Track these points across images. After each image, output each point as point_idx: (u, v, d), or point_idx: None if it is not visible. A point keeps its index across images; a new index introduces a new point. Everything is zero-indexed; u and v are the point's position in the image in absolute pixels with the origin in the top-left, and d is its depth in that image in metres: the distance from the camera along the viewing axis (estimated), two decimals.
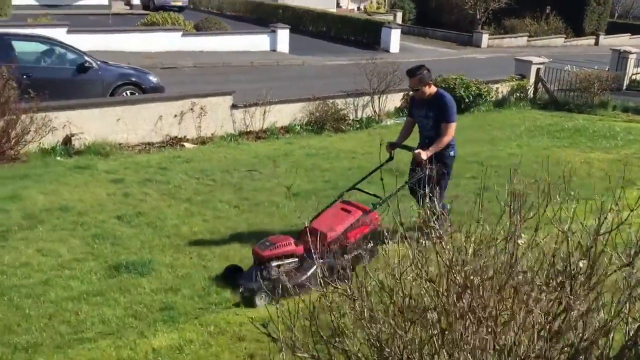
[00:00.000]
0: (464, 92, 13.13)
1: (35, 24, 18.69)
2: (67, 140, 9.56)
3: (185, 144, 10.56)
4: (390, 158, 5.99)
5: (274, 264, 4.83)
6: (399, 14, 36.40)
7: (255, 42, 22.30)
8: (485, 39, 29.70)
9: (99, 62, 11.32)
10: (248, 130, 11.34)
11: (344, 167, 8.86)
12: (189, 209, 7.00)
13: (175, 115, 10.65)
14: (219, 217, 6.75)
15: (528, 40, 31.47)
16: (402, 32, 27.33)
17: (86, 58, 11.13)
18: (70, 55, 11.21)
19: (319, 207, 5.57)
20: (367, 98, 12.75)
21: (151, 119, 10.42)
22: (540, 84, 14.47)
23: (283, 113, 11.80)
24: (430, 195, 5.40)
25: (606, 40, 33.12)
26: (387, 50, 24.94)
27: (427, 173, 5.34)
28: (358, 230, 5.14)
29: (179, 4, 32.80)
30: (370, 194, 5.55)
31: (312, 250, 4.74)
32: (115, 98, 10.77)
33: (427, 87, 5.82)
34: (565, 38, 33.32)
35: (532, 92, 14.70)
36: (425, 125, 5.97)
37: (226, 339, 4.25)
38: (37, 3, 29.17)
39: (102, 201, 7.20)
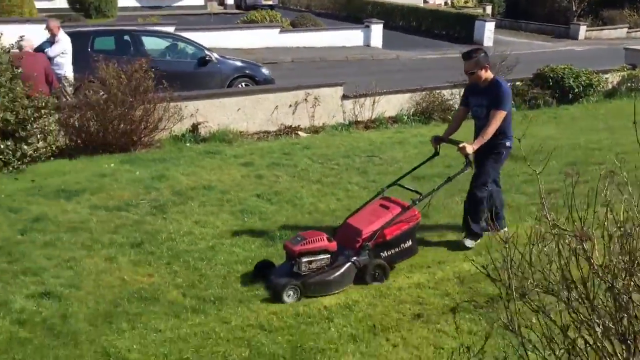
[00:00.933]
0: (573, 81, 12.89)
1: (146, 23, 19.84)
2: (194, 128, 10.20)
3: (299, 132, 11.00)
4: (436, 153, 5.74)
5: (305, 259, 4.67)
6: (489, 8, 35.79)
7: (349, 37, 22.67)
8: (582, 30, 28.73)
9: (217, 56, 11.97)
10: (357, 119, 11.65)
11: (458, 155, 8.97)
12: (321, 189, 7.37)
13: (290, 105, 11.11)
14: (352, 197, 7.08)
15: (628, 32, 30.18)
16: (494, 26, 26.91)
17: (206, 52, 11.82)
18: (192, 50, 11.94)
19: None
20: None
21: (268, 109, 10.92)
22: None
23: (391, 104, 12.03)
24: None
25: None
26: (481, 44, 24.65)
27: (469, 169, 5.34)
28: (396, 227, 4.97)
29: (270, 2, 33.70)
30: (411, 190, 5.40)
31: (345, 247, 4.78)
32: (236, 89, 11.37)
33: (483, 71, 5.42)
34: None
35: None
36: (479, 115, 5.59)
37: (389, 301, 4.54)
38: (139, 5, 30.86)
39: (238, 181, 7.71)
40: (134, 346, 3.92)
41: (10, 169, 7.70)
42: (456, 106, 12.51)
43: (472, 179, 5.62)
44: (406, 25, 28.60)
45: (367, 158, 8.82)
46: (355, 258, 4.77)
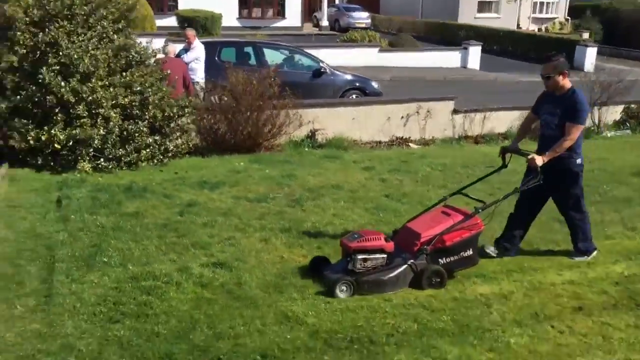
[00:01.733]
0: None
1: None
2: (312, 135, 10.64)
3: (410, 144, 11.24)
4: (504, 165, 5.57)
5: (360, 256, 4.63)
6: (585, 35, 34.89)
7: (446, 58, 22.81)
8: None
9: (331, 69, 12.44)
10: (467, 134, 11.76)
11: (585, 169, 8.88)
12: (447, 193, 7.53)
13: (402, 117, 11.38)
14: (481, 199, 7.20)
15: None
16: None
17: (321, 65, 12.31)
18: (308, 62, 12.48)
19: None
20: None
21: (380, 120, 11.23)
22: None
23: (501, 120, 12.07)
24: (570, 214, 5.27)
25: None
26: (581, 69, 24.08)
27: (539, 181, 5.08)
28: (456, 233, 4.87)
29: (363, 25, 34.33)
30: (474, 199, 5.33)
31: (403, 250, 4.68)
32: (351, 100, 11.78)
33: (561, 78, 5.18)
34: None
35: None
36: (549, 123, 5.33)
37: (545, 294, 4.66)
38: (240, 25, 32.28)
39: (364, 183, 8.00)
40: (310, 312, 4.23)
41: (155, 161, 8.34)
42: None
43: (561, 208, 5.52)
44: (500, 49, 28.39)
45: (486, 168, 8.90)
46: (412, 261, 4.71)
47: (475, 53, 22.97)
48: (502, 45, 28.45)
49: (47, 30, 7.62)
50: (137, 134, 8.06)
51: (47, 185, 7.19)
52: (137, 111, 8.15)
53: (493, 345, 3.89)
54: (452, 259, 4.86)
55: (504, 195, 5.29)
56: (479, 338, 3.98)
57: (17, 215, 5.99)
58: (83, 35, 7.80)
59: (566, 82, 5.23)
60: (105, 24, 8.19)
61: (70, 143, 7.67)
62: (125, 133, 7.98)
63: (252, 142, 9.71)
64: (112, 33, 8.24)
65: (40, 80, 7.59)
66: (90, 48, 7.73)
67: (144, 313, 4.13)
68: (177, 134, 8.81)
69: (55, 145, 7.64)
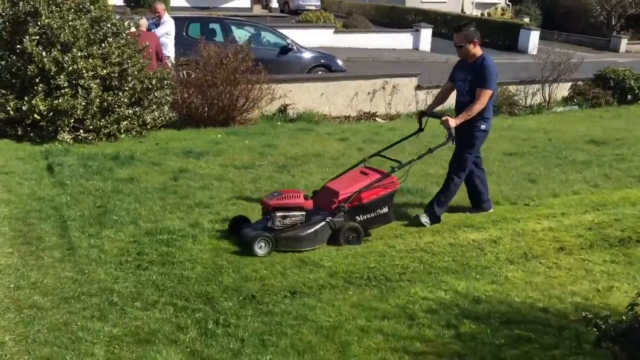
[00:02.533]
0: (634, 82, 13.41)
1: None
2: (282, 109, 10.89)
3: (377, 118, 11.66)
4: (420, 129, 5.76)
5: (279, 214, 4.71)
6: (526, 19, 36.26)
7: (399, 40, 23.38)
8: (624, 43, 29.16)
9: (298, 46, 12.68)
10: None
11: (541, 139, 9.54)
12: (426, 160, 7.95)
13: (368, 93, 11.78)
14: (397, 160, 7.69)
15: None
16: None
17: (288, 42, 12.52)
18: (275, 39, 12.67)
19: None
20: (537, 86, 13.33)
21: (348, 95, 11.60)
22: None
23: None
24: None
25: None
26: (526, 52, 25.18)
27: (450, 142, 5.27)
28: (373, 191, 4.99)
29: (313, 7, 34.49)
30: (391, 159, 5.47)
31: (322, 209, 4.84)
32: (321, 75, 12.08)
33: (471, 46, 5.36)
34: None
35: None
36: (462, 90, 5.54)
37: (529, 238, 5.16)
38: (188, 5, 31.84)
39: (343, 152, 8.35)
40: (324, 257, 4.57)
41: (134, 133, 8.41)
42: (521, 101, 13.13)
43: (450, 163, 5.72)
44: (449, 32, 29.16)
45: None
46: (330, 218, 4.80)
47: (426, 35, 23.63)
48: (450, 29, 29.26)
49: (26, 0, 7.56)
50: (117, 106, 8.11)
51: (32, 154, 7.20)
52: (116, 82, 8.20)
53: (493, 279, 4.35)
54: (368, 216, 5.01)
55: (418, 156, 5.47)
56: (480, 273, 4.43)
57: (13, 181, 6.03)
58: (62, 5, 7.77)
59: (477, 50, 5.42)
60: None
61: (51, 114, 7.67)
62: (105, 104, 8.02)
63: (226, 116, 9.87)
64: (88, 4, 8.23)
65: (19, 50, 7.54)
66: (70, 18, 7.72)
67: (169, 261, 4.37)
68: (154, 107, 8.89)
69: (35, 115, 7.62)
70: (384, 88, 11.83)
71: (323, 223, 4.79)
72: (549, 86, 13.28)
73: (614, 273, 4.50)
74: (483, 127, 5.48)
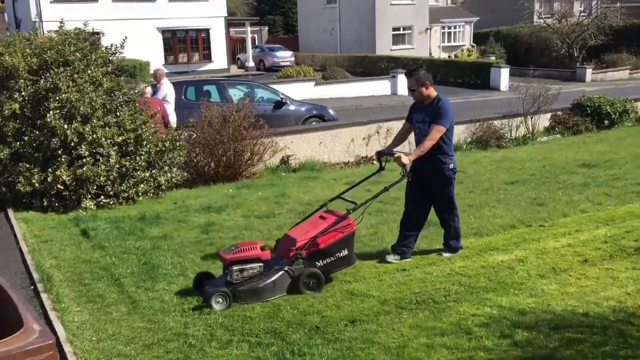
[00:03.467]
0: (609, 108, 14.19)
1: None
2: (285, 161, 11.33)
3: (374, 162, 12.14)
4: (381, 168, 5.81)
5: (236, 267, 4.78)
6: (492, 58, 37.76)
7: (377, 87, 24.25)
8: (589, 73, 30.52)
9: (291, 100, 13.24)
10: None
11: (535, 167, 10.08)
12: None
13: (364, 138, 12.31)
14: (463, 197, 8.13)
15: (630, 73, 32.00)
16: None
17: (282, 96, 13.08)
18: (268, 94, 13.23)
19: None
20: (520, 119, 14.01)
21: (345, 142, 12.11)
22: None
23: None
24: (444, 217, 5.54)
25: None
26: (497, 89, 26.26)
27: (406, 178, 5.36)
28: (330, 235, 5.02)
29: (287, 63, 35.59)
30: (349, 201, 5.51)
31: (282, 257, 4.93)
32: (318, 125, 12.59)
33: (424, 88, 5.48)
34: None
35: None
36: (421, 131, 5.61)
37: (552, 255, 5.57)
38: (167, 70, 32.60)
39: (353, 194, 8.70)
40: (370, 288, 4.91)
41: (151, 195, 8.73)
42: (507, 135, 13.76)
43: (436, 209, 5.77)
44: None
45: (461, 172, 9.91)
46: (288, 267, 4.85)
47: (403, 80, 24.47)
48: None
49: (45, 76, 7.97)
50: (134, 170, 8.45)
51: (61, 222, 7.45)
52: (132, 148, 8.56)
53: (531, 293, 4.71)
54: (328, 260, 5.01)
55: (374, 195, 5.56)
56: (517, 289, 4.79)
57: (55, 248, 6.28)
58: (79, 79, 8.19)
59: (431, 92, 5.53)
60: (94, 68, 8.60)
61: (74, 183, 7.97)
62: (123, 169, 8.35)
63: (233, 172, 10.26)
64: (101, 77, 8.66)
65: (40, 125, 7.90)
66: (87, 91, 8.13)
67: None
68: (167, 168, 9.24)
69: (59, 186, 7.92)
70: (378, 132, 12.37)
71: (281, 272, 4.84)
72: (531, 118, 13.97)
73: (639, 278, 4.90)
74: (452, 166, 5.57)
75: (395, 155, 5.34)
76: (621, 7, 36.69)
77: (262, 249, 4.95)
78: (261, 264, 4.87)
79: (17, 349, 2.25)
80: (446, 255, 5.72)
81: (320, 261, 4.98)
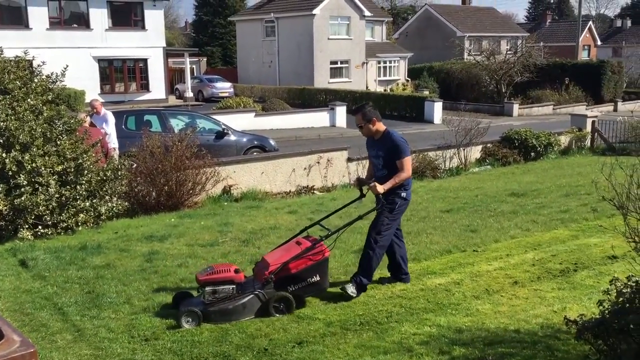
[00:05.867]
0: (535, 141, 15.07)
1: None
2: (227, 190, 11.42)
3: (315, 191, 12.40)
4: (362, 195, 5.86)
5: (209, 289, 4.96)
6: (426, 92, 39.21)
7: (316, 118, 24.73)
8: (516, 108, 32.19)
9: (232, 130, 13.39)
10: None
11: (469, 196, 10.59)
12: None
13: (305, 168, 12.58)
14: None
15: (554, 108, 33.93)
16: None
17: (223, 126, 13.21)
18: (210, 125, 13.33)
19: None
20: (453, 150, 14.67)
21: (286, 172, 12.34)
22: (596, 133, 16.42)
23: None
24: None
25: (624, 106, 35.62)
26: (431, 122, 27.28)
27: (381, 208, 5.44)
28: (301, 261, 5.14)
29: (226, 94, 35.74)
30: (325, 228, 5.64)
31: (256, 280, 5.10)
32: (260, 155, 12.76)
33: (371, 125, 5.60)
34: (587, 105, 35.76)
35: (589, 141, 16.64)
36: (377, 165, 5.76)
37: (485, 278, 5.92)
38: (103, 100, 32.08)
39: (297, 223, 8.91)
40: (316, 311, 5.06)
41: (90, 224, 8.62)
42: (441, 166, 14.36)
43: (369, 228, 5.72)
44: None
45: None
46: (259, 290, 5.00)
47: (341, 112, 25.16)
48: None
49: None
50: (74, 199, 8.34)
51: None
52: (72, 177, 8.46)
53: (467, 312, 5.01)
54: (299, 285, 5.13)
55: (346, 223, 5.69)
56: (454, 309, 5.08)
57: None
58: (18, 107, 8.07)
59: (379, 127, 5.66)
60: (33, 97, 8.50)
61: (11, 213, 7.79)
62: (63, 199, 8.23)
63: (175, 201, 10.25)
64: (41, 105, 8.56)
65: None
66: (28, 119, 8.02)
67: (175, 330, 4.70)
68: (108, 197, 9.15)
69: None
70: (318, 162, 12.67)
71: (251, 295, 5.00)
72: (464, 150, 14.66)
73: (564, 297, 5.30)
74: (404, 194, 5.59)
75: (371, 184, 5.51)
76: (544, 47, 39.04)
77: (237, 271, 5.10)
78: (234, 286, 5.02)
79: (2, 357, 2.35)
80: (348, 289, 5.38)
81: (292, 286, 5.12)
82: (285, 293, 5.09)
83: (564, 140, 16.47)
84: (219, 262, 5.99)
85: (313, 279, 5.19)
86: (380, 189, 5.42)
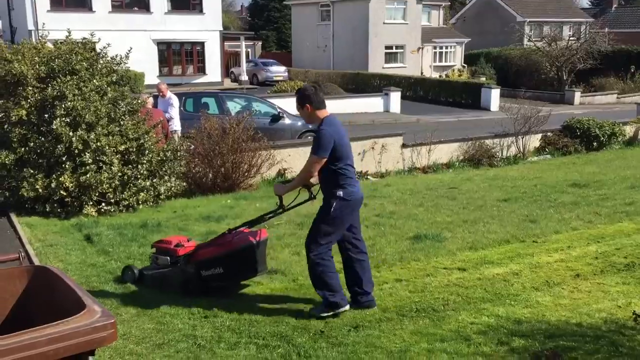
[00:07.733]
0: (598, 130, 14.54)
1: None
2: (281, 173, 11.51)
3: (369, 177, 12.36)
4: (312, 196, 5.12)
5: (153, 255, 5.54)
6: (483, 79, 38.34)
7: (370, 104, 24.58)
8: (577, 96, 31.10)
9: (287, 113, 13.46)
10: (415, 166, 13.07)
11: (527, 185, 10.32)
12: (429, 209, 8.57)
13: (359, 153, 12.49)
14: (457, 212, 8.32)
15: (618, 97, 32.61)
16: None
17: (278, 110, 13.29)
18: (266, 108, 13.43)
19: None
20: (511, 138, 14.31)
21: None
22: None
23: (443, 152, 13.50)
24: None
25: None
26: (488, 109, 26.66)
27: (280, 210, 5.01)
28: (208, 250, 5.18)
29: (281, 78, 35.92)
30: (246, 223, 5.45)
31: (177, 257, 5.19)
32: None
33: (305, 110, 4.83)
34: None
35: None
36: None
37: (546, 269, 5.80)
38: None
39: None
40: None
41: (150, 203, 8.86)
42: (498, 154, 14.05)
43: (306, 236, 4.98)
44: (413, 94, 30.72)
45: (448, 190, 10.14)
46: (180, 266, 5.24)
47: (395, 98, 24.92)
48: (414, 91, 30.84)
49: (53, 84, 8.11)
50: (135, 178, 8.59)
51: (64, 228, 7.57)
52: (134, 156, 8.71)
53: (526, 304, 4.91)
54: (211, 272, 5.11)
55: (250, 221, 5.43)
56: (513, 300, 4.99)
57: (60, 252, 6.40)
58: (85, 88, 8.34)
59: (314, 115, 4.87)
60: (99, 78, 8.76)
61: (77, 190, 8.09)
62: (125, 177, 8.49)
63: (230, 183, 10.42)
64: (105, 86, 8.82)
65: (46, 131, 8.03)
66: (93, 100, 8.28)
67: (237, 309, 4.81)
68: (167, 177, 9.38)
69: (62, 192, 8.04)
70: (373, 148, 12.59)
71: (169, 270, 5.35)
72: (522, 138, 14.28)
73: (628, 292, 5.12)
74: (340, 193, 4.69)
75: (275, 184, 5.41)
76: (609, 33, 37.42)
77: (178, 245, 5.37)
78: (168, 258, 5.37)
79: (85, 326, 2.51)
80: (318, 313, 4.68)
81: (204, 270, 5.19)
82: (198, 275, 5.19)
83: (629, 130, 15.82)
84: (179, 235, 6.06)
85: (217, 270, 5.13)
86: (282, 189, 4.91)
